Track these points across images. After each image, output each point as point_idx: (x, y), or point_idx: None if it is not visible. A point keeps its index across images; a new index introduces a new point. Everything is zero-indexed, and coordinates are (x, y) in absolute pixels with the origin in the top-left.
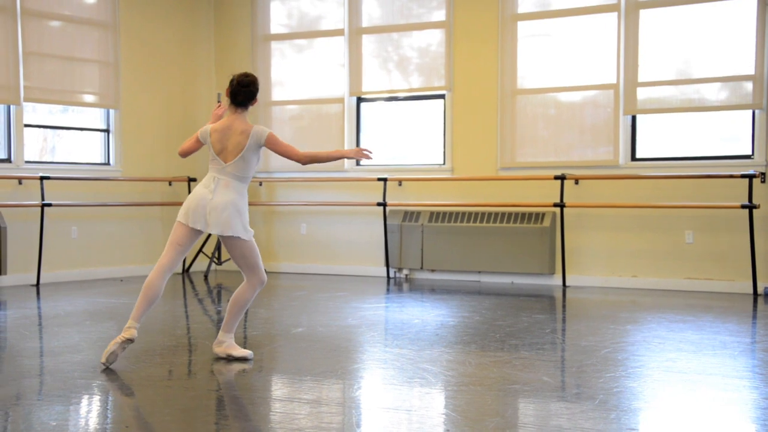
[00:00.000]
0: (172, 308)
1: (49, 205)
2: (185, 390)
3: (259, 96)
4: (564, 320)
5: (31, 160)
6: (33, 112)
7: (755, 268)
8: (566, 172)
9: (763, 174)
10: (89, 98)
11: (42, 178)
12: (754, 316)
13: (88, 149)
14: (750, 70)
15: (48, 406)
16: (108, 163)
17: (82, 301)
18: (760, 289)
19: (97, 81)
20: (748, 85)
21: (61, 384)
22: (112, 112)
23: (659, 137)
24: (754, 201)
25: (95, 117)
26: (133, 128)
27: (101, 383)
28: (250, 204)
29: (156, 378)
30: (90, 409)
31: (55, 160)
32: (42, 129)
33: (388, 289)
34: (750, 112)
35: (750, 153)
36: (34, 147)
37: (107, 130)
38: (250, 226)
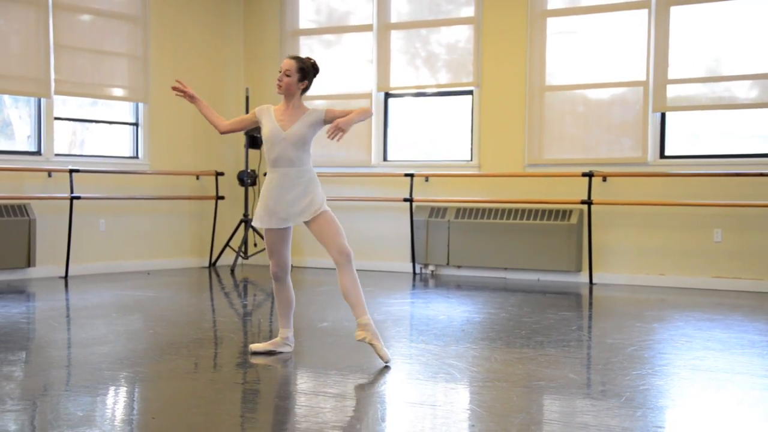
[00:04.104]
0: (199, 302)
1: (78, 197)
2: (211, 383)
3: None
4: (590, 318)
5: (61, 153)
6: (63, 105)
7: None
8: (594, 169)
9: None
10: (118, 92)
11: (71, 171)
12: None
13: (116, 143)
14: None
15: (75, 397)
16: (136, 157)
17: (110, 293)
18: None
19: (126, 75)
20: None
21: (88, 375)
22: (140, 105)
23: (688, 135)
24: None
25: (124, 110)
26: (162, 122)
27: (128, 375)
28: None
29: (182, 370)
30: (116, 400)
31: (84, 153)
32: (71, 122)
33: (413, 285)
34: None
35: None
36: (64, 140)
37: (136, 124)
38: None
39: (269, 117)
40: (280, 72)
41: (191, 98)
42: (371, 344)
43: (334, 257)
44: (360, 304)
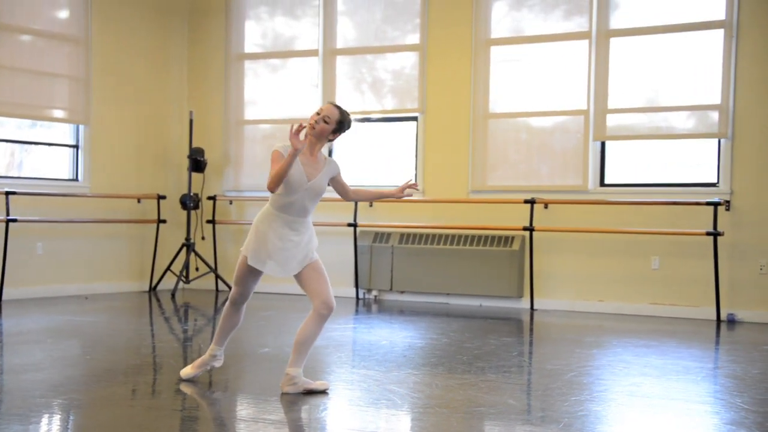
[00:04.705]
0: (138, 327)
1: (15, 220)
2: (149, 410)
3: (231, 115)
4: (531, 343)
5: None
6: (1, 126)
7: (719, 294)
8: (536, 196)
9: (728, 202)
10: (59, 113)
11: (7, 194)
12: (717, 342)
13: (56, 165)
14: (716, 99)
15: (6, 426)
16: (76, 179)
17: (46, 318)
18: (723, 315)
19: (66, 96)
20: (714, 115)
21: (21, 402)
22: (81, 127)
23: (628, 164)
24: (719, 228)
25: (64, 132)
26: (103, 144)
27: (62, 402)
28: (218, 222)
29: (119, 397)
30: (50, 428)
31: (22, 176)
32: (10, 144)
33: (356, 310)
34: (716, 140)
35: (715, 181)
36: (1, 162)
37: (76, 146)
38: (246, 246)
39: (296, 162)
40: (318, 114)
41: (300, 142)
42: (306, 391)
43: (316, 307)
44: (305, 356)
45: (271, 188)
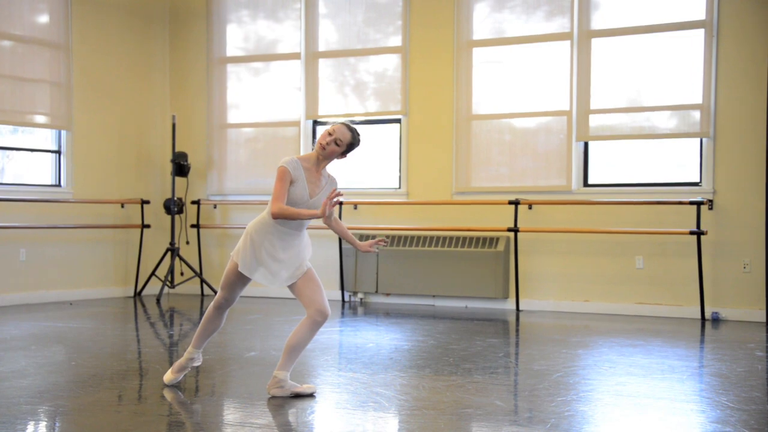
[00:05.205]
0: (123, 332)
1: None
2: (135, 415)
3: (214, 119)
4: (517, 344)
5: None
6: None
7: (703, 293)
8: (520, 197)
9: (711, 201)
10: (40, 119)
11: None
12: (702, 341)
13: (38, 170)
14: (698, 99)
15: None
16: (59, 185)
17: (30, 324)
18: (708, 314)
19: (48, 101)
20: (696, 114)
21: (5, 410)
22: (63, 133)
23: (611, 164)
24: (702, 227)
25: (46, 138)
26: (86, 150)
27: (48, 408)
28: (202, 226)
29: (105, 403)
30: None
31: (4, 182)
32: None
33: (342, 313)
34: (698, 140)
35: (698, 180)
36: None
37: (58, 152)
38: (237, 253)
39: (302, 178)
40: (330, 135)
41: (330, 210)
42: (293, 394)
43: (311, 314)
44: (294, 361)
45: (276, 218)
